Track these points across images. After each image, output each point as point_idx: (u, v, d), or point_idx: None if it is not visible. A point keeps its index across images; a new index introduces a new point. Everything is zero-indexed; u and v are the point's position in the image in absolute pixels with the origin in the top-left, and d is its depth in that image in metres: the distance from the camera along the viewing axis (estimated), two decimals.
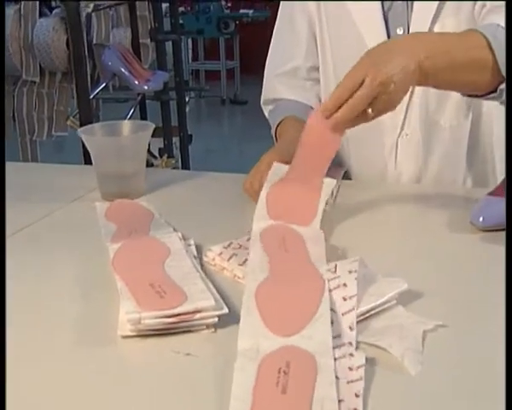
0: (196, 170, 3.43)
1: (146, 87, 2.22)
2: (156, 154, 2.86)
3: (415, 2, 1.01)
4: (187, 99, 6.03)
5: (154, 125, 1.01)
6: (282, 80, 1.16)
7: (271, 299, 0.65)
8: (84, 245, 0.87)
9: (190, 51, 6.84)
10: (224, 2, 6.22)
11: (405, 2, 1.02)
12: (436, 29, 0.99)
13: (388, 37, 1.03)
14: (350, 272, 0.65)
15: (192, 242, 0.82)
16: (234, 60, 6.38)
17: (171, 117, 3.11)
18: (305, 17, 1.12)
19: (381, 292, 0.65)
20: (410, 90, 0.99)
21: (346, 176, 1.15)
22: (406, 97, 0.97)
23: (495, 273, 0.74)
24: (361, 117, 0.80)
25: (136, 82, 2.17)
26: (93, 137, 1.02)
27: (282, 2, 1.17)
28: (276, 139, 1.12)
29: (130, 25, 2.39)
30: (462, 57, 0.84)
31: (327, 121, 0.81)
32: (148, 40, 2.69)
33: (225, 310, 0.64)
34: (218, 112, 6.26)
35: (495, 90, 0.88)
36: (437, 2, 0.99)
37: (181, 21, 6.03)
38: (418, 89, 1.02)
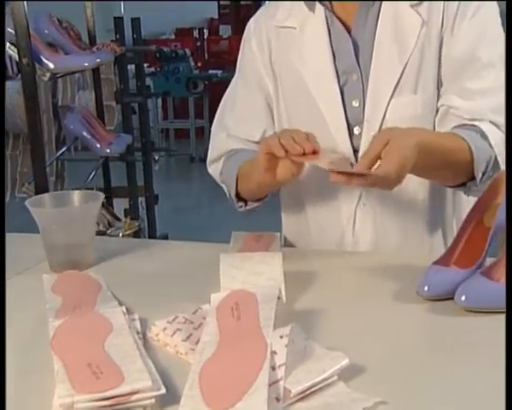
0: (164, 230, 3.48)
1: (108, 150, 2.23)
2: (122, 215, 2.85)
3: (370, 77, 1.03)
4: (156, 158, 6.09)
5: (103, 196, 1.01)
6: (238, 141, 1.14)
7: (214, 374, 0.65)
8: (26, 320, 0.85)
9: (160, 110, 6.93)
10: (193, 64, 6.36)
11: (360, 76, 1.04)
12: (392, 104, 1.02)
13: (344, 109, 1.05)
14: (281, 337, 0.66)
15: (136, 316, 0.81)
16: (203, 119, 6.47)
17: (138, 177, 3.13)
18: (262, 93, 1.13)
19: (322, 368, 0.65)
20: None
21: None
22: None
23: (439, 345, 0.75)
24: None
25: (98, 145, 2.18)
26: (41, 208, 1.02)
27: (238, 64, 1.17)
28: (238, 195, 1.09)
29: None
30: (447, 157, 0.93)
31: None
32: (114, 102, 2.73)
33: (162, 391, 0.63)
34: (188, 170, 6.29)
35: (463, 184, 0.99)
36: (396, 78, 1.01)
37: (150, 81, 6.17)
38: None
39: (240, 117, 1.15)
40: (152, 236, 3.30)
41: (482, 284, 0.80)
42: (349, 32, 1.05)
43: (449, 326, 0.79)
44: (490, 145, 0.96)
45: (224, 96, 1.19)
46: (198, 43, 7.49)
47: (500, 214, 0.85)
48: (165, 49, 6.10)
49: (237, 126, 1.15)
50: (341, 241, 1.11)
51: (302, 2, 1.08)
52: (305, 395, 0.63)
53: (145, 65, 6.18)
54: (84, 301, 0.87)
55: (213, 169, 1.19)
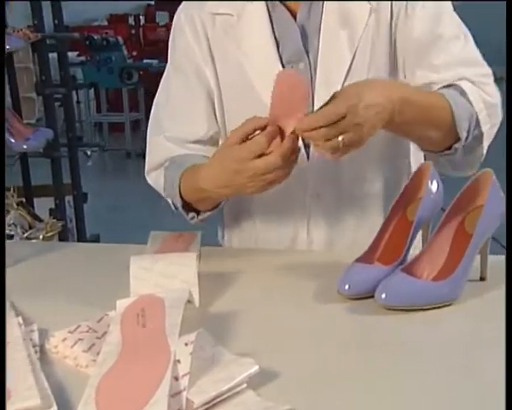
0: (96, 231, 3.41)
1: (25, 146, 2.14)
2: (47, 215, 2.76)
3: (319, 66, 1.01)
4: (88, 153, 5.96)
5: None
6: (178, 143, 1.07)
7: (113, 387, 0.63)
8: None
9: (93, 103, 6.78)
10: (126, 53, 6.24)
11: (308, 64, 1.01)
12: None
13: None
14: (186, 344, 0.64)
15: (35, 327, 0.78)
16: (139, 111, 6.37)
17: (66, 174, 3.05)
18: (202, 86, 1.07)
19: (230, 376, 0.63)
20: (321, 159, 1.00)
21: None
22: (316, 168, 1.02)
23: (358, 347, 0.75)
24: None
25: (13, 140, 2.09)
26: None
27: (170, 58, 1.11)
28: (183, 199, 1.01)
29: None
30: (427, 113, 0.91)
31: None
32: (34, 94, 2.64)
33: (53, 408, 0.60)
34: (124, 166, 6.18)
35: (449, 148, 0.96)
36: (347, 66, 0.99)
37: (80, 72, 6.02)
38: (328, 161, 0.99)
39: (177, 114, 1.08)
40: (82, 237, 3.22)
41: (403, 281, 0.81)
42: (294, 17, 1.02)
43: (369, 326, 0.79)
44: (469, 102, 0.96)
45: (157, 96, 1.13)
46: (133, 31, 7.36)
47: (421, 208, 0.86)
48: (95, 37, 5.95)
49: (175, 125, 1.08)
50: (294, 241, 1.08)
51: None
52: (210, 406, 0.61)
53: (75, 53, 6.07)
54: None
55: (153, 178, 1.11)
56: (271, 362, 0.68)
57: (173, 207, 1.06)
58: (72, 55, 5.46)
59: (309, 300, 0.86)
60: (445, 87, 0.98)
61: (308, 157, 1.03)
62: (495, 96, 0.99)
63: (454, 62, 0.99)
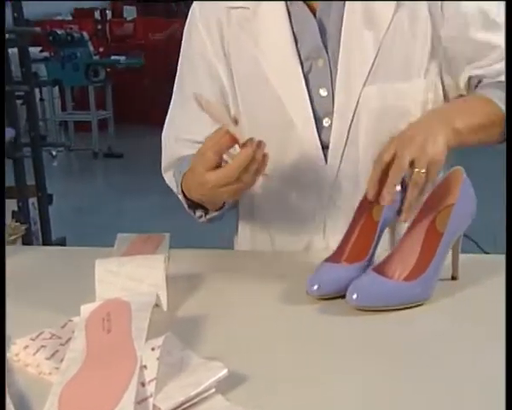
0: (62, 233, 3.37)
1: None
2: (10, 218, 2.72)
3: (340, 63, 0.99)
4: (53, 153, 5.89)
5: None
6: (186, 144, 1.07)
7: (77, 395, 0.62)
8: None
9: (58, 100, 6.71)
10: (92, 48, 6.18)
11: (327, 61, 1.00)
12: (365, 92, 0.98)
13: (310, 98, 1.00)
14: (153, 349, 0.64)
15: None
16: (106, 109, 6.32)
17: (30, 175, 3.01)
18: (214, 84, 1.06)
19: (198, 380, 0.64)
20: (339, 161, 1.01)
21: None
22: (334, 170, 1.01)
23: (330, 348, 0.76)
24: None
25: None
26: None
27: (183, 54, 1.10)
28: (185, 196, 1.00)
29: None
30: (485, 120, 0.94)
31: None
32: None
33: None
34: (91, 166, 6.13)
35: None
36: (370, 63, 0.98)
37: (44, 68, 5.95)
38: (347, 163, 1.01)
39: (190, 114, 1.06)
40: (47, 240, 3.18)
41: (374, 281, 0.82)
42: (313, 13, 1.00)
43: (340, 327, 0.80)
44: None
45: (174, 94, 1.12)
46: (99, 26, 7.30)
47: (386, 209, 0.87)
48: (59, 32, 5.88)
49: (187, 125, 1.07)
50: (309, 248, 1.06)
51: None
52: None
53: (38, 49, 5.99)
54: None
55: (169, 177, 1.11)
56: (240, 366, 0.68)
57: (186, 206, 1.05)
58: (35, 50, 5.39)
59: (279, 302, 0.87)
60: (493, 84, 0.99)
61: (326, 161, 1.02)
62: None
63: (500, 57, 0.98)
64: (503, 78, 0.98)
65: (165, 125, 1.13)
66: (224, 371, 0.65)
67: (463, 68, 1.01)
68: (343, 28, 0.99)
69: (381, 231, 0.88)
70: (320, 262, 0.88)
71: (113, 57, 6.38)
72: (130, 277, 0.85)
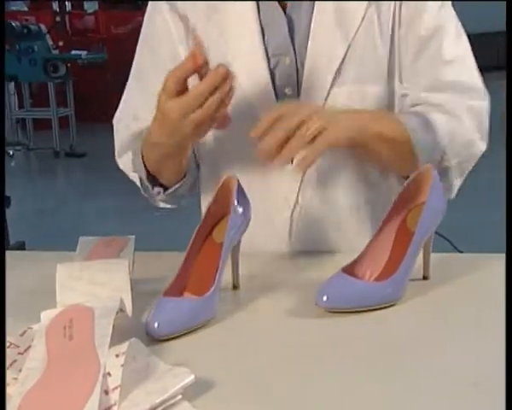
0: (21, 238, 3.33)
1: None
2: None
3: (306, 62, 1.00)
4: (11, 153, 5.80)
5: None
6: (145, 123, 1.02)
7: (37, 406, 0.63)
8: None
9: (15, 97, 6.62)
10: (51, 42, 6.09)
11: (294, 60, 1.01)
12: (332, 95, 0.99)
13: (276, 97, 1.01)
14: (117, 355, 0.64)
15: None
16: (67, 107, 6.25)
17: None
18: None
19: (164, 387, 0.64)
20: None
21: None
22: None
23: (299, 352, 0.77)
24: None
25: None
26: None
27: (143, 43, 1.10)
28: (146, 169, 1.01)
29: None
30: (394, 135, 0.94)
31: None
32: None
33: None
34: (51, 166, 6.06)
35: None
36: (337, 63, 0.99)
37: None
38: (312, 169, 0.99)
39: (149, 93, 1.02)
40: (5, 244, 3.14)
41: (344, 282, 0.83)
42: (283, 7, 1.01)
43: (309, 330, 0.81)
44: (436, 135, 0.97)
45: (130, 78, 1.12)
46: (58, 18, 7.20)
47: (230, 226, 0.86)
48: (13, 24, 5.77)
49: (146, 103, 1.02)
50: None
51: None
52: None
53: None
54: None
55: (124, 162, 1.10)
56: (208, 371, 0.69)
57: (141, 187, 1.05)
58: None
59: (247, 305, 0.87)
60: (415, 110, 1.00)
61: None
62: (472, 131, 1.01)
63: (442, 85, 1.00)
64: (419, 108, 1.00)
65: (119, 109, 1.13)
66: (191, 378, 0.65)
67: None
68: (312, 26, 1.00)
69: (226, 255, 0.86)
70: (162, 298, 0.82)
71: (73, 52, 6.30)
72: (93, 282, 0.85)
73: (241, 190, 0.87)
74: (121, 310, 0.78)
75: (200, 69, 0.85)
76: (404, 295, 0.85)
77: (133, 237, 1.09)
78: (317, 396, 0.67)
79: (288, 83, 1.02)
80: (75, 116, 6.35)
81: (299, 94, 1.01)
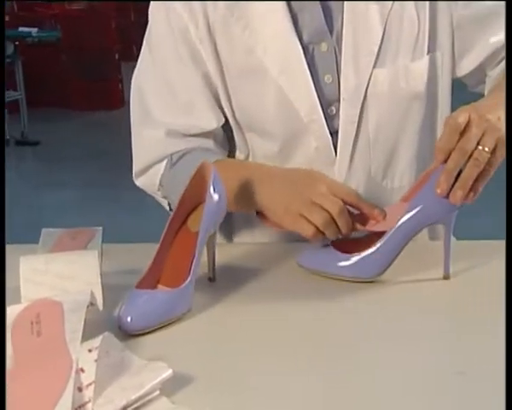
0: None
1: None
2: None
3: (344, 45, 1.01)
4: None
5: None
6: (177, 136, 1.05)
7: (6, 405, 0.63)
8: None
9: None
10: None
11: (332, 45, 1.02)
12: (374, 76, 1.00)
13: (315, 86, 1.01)
14: (90, 350, 0.66)
15: None
16: (18, 90, 6.16)
17: None
18: (198, 69, 1.04)
19: (141, 382, 0.66)
20: (350, 152, 1.03)
21: None
22: (345, 162, 1.03)
23: (270, 347, 0.80)
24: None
25: None
26: None
27: (157, 44, 1.06)
28: None
29: None
30: None
31: None
32: None
33: None
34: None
35: None
36: (377, 43, 1.00)
37: None
38: (358, 153, 1.03)
39: (177, 104, 1.05)
40: (4, 244, 3.10)
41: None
42: None
43: (287, 322, 0.84)
44: None
45: (140, 80, 1.08)
46: None
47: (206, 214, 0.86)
48: None
49: (173, 116, 1.05)
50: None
51: None
52: None
53: None
54: None
55: (146, 179, 1.10)
56: (185, 366, 0.71)
57: (168, 208, 1.06)
58: None
59: (223, 300, 0.89)
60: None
61: (336, 152, 1.04)
62: None
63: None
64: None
65: (138, 118, 1.09)
66: (169, 372, 0.67)
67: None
68: (345, 5, 1.00)
69: (202, 245, 0.86)
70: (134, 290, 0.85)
71: (21, 29, 6.19)
72: (61, 275, 0.86)
73: (217, 177, 0.87)
74: (92, 304, 0.80)
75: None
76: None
77: (100, 228, 1.10)
78: (297, 388, 0.70)
79: (326, 70, 1.02)
80: (26, 100, 6.27)
81: (339, 81, 1.02)
